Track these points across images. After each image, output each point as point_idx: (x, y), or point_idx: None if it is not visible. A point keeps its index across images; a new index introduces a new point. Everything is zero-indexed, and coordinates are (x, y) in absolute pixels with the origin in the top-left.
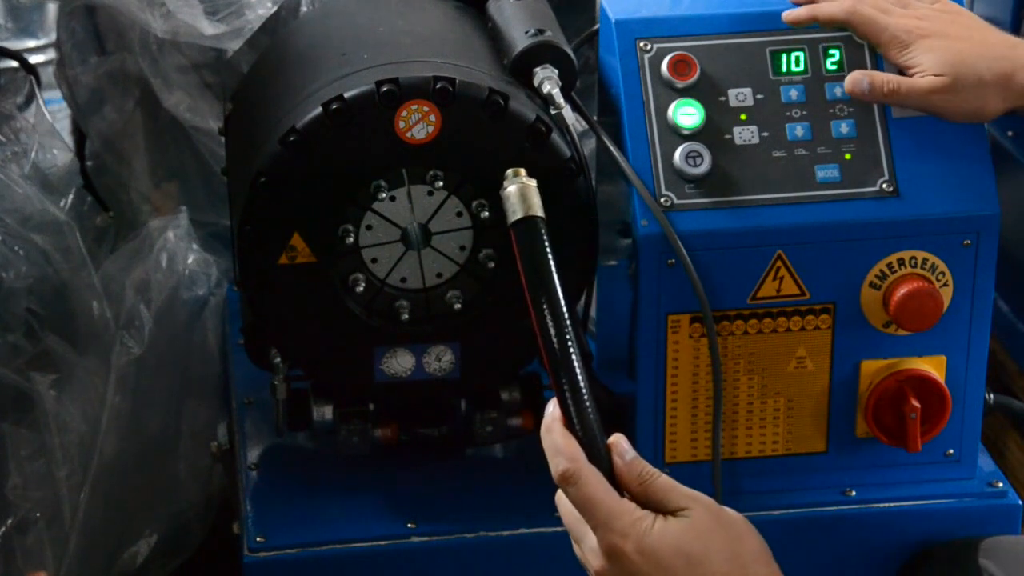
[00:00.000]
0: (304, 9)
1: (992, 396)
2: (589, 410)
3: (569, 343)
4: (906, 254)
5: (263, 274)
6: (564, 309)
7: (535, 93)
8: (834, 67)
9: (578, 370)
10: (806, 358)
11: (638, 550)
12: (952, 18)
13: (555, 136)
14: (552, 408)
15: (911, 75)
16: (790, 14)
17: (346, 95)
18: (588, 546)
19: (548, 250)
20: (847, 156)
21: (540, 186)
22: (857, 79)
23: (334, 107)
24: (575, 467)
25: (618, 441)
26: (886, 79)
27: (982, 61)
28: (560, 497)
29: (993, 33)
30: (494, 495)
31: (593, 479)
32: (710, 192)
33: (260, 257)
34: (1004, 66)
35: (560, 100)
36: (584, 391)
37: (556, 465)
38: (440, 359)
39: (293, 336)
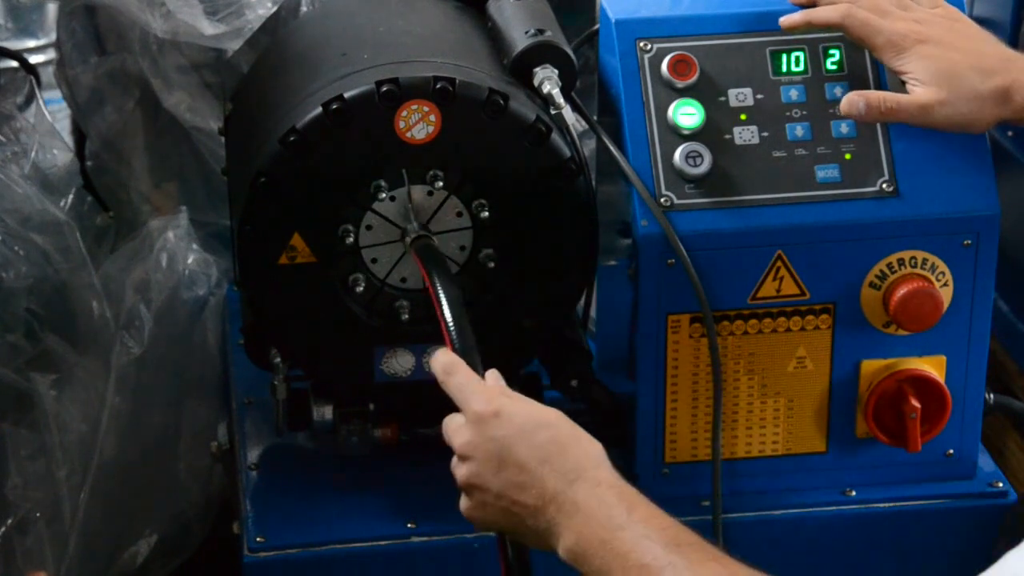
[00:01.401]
0: (304, 9)
1: (992, 396)
2: (472, 348)
3: (458, 298)
4: (906, 254)
5: (263, 274)
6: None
7: (535, 93)
8: (834, 67)
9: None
10: (806, 358)
11: (496, 412)
12: (950, 24)
13: (555, 136)
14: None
15: (903, 80)
16: (786, 19)
17: (346, 95)
18: (455, 426)
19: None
20: (847, 156)
21: (540, 186)
22: (853, 101)
23: (334, 107)
24: (454, 361)
25: (492, 371)
26: (882, 98)
27: (975, 73)
28: (446, 421)
29: (989, 44)
30: None
31: (469, 370)
32: (710, 192)
33: (260, 257)
34: (998, 81)
35: (560, 100)
36: (473, 341)
37: (437, 369)
38: None
39: (293, 336)
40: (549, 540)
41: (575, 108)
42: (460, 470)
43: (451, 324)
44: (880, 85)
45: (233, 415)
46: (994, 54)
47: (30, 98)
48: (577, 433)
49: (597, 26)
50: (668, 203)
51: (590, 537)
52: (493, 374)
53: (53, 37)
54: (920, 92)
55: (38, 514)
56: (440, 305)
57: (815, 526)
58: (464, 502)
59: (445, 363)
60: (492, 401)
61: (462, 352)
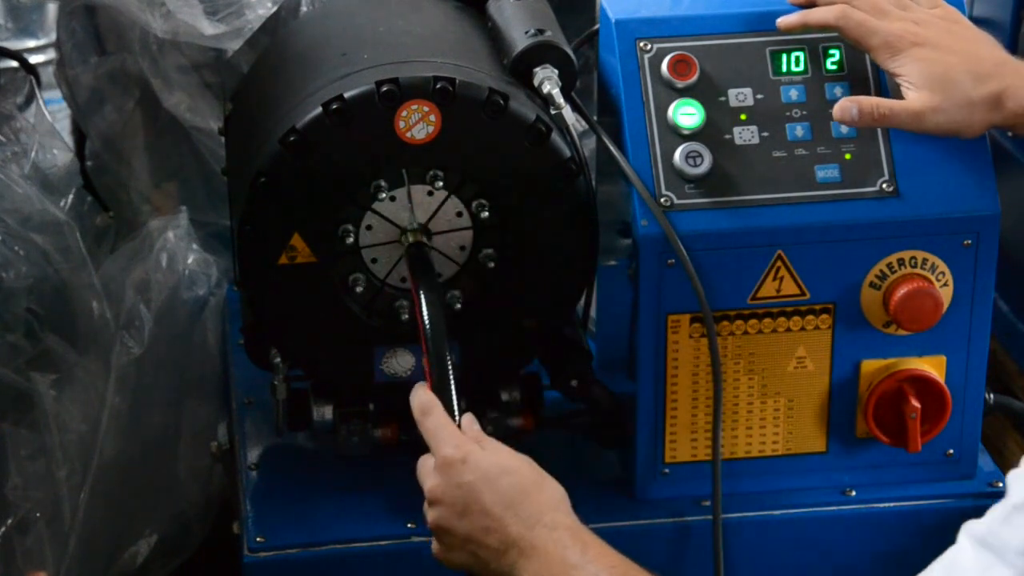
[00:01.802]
0: (304, 9)
1: (992, 396)
2: (452, 392)
3: (441, 336)
4: (906, 254)
5: (263, 274)
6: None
7: (535, 93)
8: (834, 67)
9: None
10: (806, 358)
11: (463, 458)
12: (948, 26)
13: (555, 136)
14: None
15: (898, 82)
16: (783, 20)
17: (346, 95)
18: (426, 469)
19: (432, 267)
20: (847, 156)
21: (540, 186)
22: (845, 107)
23: (334, 107)
24: (431, 401)
25: (467, 415)
26: (875, 105)
27: (969, 78)
28: (419, 463)
29: (985, 47)
30: None
31: (443, 412)
32: (710, 192)
33: (260, 257)
34: (992, 87)
35: (560, 100)
36: (451, 381)
37: (415, 407)
38: None
39: (293, 336)
40: None
41: (575, 108)
42: (429, 514)
43: (433, 361)
44: (880, 85)
45: (233, 415)
46: (989, 58)
47: (30, 98)
48: (540, 478)
49: (597, 26)
50: (668, 203)
51: None
52: (468, 418)
53: (53, 37)
54: (913, 98)
55: (38, 514)
56: (425, 338)
57: (815, 526)
58: (434, 544)
59: (422, 402)
60: (461, 448)
61: (438, 390)
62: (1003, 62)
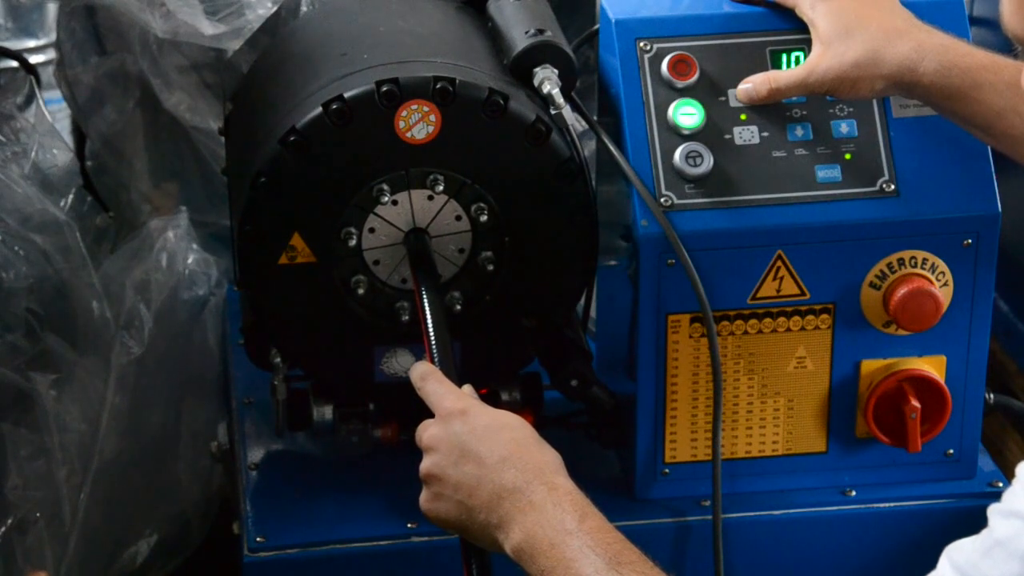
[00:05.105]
0: (304, 9)
1: (992, 396)
2: (450, 363)
3: (441, 312)
4: (906, 254)
5: (263, 274)
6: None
7: (535, 93)
8: None
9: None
10: (806, 358)
11: (464, 410)
12: None
13: (555, 136)
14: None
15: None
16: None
17: (346, 95)
18: (425, 426)
19: (432, 260)
20: (847, 156)
21: (540, 186)
22: (742, 88)
23: (334, 107)
24: (430, 368)
25: (467, 385)
26: (767, 77)
27: (880, 34)
28: (419, 427)
29: (901, 12)
30: None
31: (443, 376)
32: (710, 192)
33: (260, 257)
34: (906, 45)
35: (560, 100)
36: (449, 355)
37: (414, 376)
38: None
39: (293, 336)
40: (497, 535)
41: (575, 108)
42: (422, 463)
43: (433, 343)
44: None
45: (233, 415)
46: (904, 17)
47: (30, 98)
48: (539, 440)
49: (597, 26)
50: (668, 203)
51: (540, 537)
52: (468, 387)
53: (53, 37)
54: (810, 56)
55: (38, 514)
56: (425, 323)
57: (815, 526)
58: (423, 494)
59: (422, 371)
60: (461, 400)
61: (440, 366)
62: (918, 25)
